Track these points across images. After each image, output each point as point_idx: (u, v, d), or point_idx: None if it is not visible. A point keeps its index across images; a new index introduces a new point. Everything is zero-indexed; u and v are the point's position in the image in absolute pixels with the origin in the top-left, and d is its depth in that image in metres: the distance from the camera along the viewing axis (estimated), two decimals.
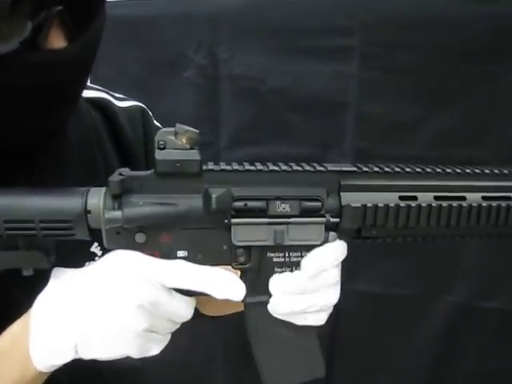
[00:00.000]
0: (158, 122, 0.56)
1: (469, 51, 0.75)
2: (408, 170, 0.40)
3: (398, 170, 0.40)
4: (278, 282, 0.37)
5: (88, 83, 0.45)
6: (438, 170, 0.40)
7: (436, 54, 0.75)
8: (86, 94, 0.46)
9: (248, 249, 0.39)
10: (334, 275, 0.38)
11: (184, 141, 0.35)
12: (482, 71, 0.75)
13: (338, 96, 0.80)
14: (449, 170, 0.40)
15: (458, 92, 0.77)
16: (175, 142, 0.35)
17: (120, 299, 0.33)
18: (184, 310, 0.35)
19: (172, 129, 0.35)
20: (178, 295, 0.35)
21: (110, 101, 0.49)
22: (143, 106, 0.54)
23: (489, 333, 0.88)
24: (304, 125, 0.82)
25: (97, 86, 0.50)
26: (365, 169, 0.40)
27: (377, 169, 0.40)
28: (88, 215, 0.35)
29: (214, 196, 0.36)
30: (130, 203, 0.35)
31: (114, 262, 0.34)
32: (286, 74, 0.80)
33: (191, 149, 0.36)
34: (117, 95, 0.51)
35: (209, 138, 0.84)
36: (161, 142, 0.35)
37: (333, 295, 0.38)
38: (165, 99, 0.84)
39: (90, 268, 0.35)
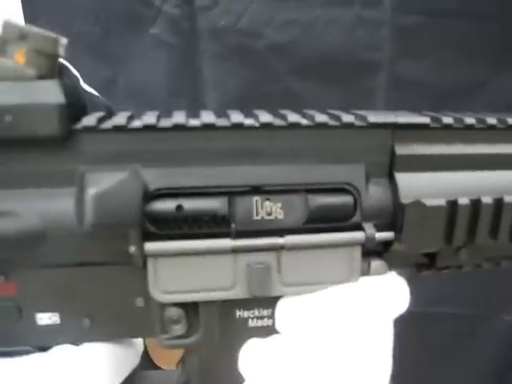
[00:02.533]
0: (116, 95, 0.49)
1: None
2: None
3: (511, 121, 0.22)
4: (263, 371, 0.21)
5: None
6: None
7: None
8: None
9: (191, 307, 0.22)
10: (380, 347, 0.22)
11: (22, 58, 0.18)
12: None
13: (364, 53, 0.63)
14: None
15: None
16: (1, 64, 0.18)
17: None
18: None
19: None
20: None
21: None
22: (62, 61, 0.41)
23: None
24: (316, 95, 0.65)
25: None
26: (445, 120, 0.22)
27: (470, 120, 0.22)
28: None
29: (93, 193, 0.19)
30: None
31: None
32: (291, 25, 0.63)
33: (42, 78, 0.19)
34: None
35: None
36: None
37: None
38: (126, 65, 0.68)
39: None
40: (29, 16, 0.66)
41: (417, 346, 0.77)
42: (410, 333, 0.76)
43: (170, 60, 0.67)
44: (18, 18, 0.65)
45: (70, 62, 0.48)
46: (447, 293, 0.73)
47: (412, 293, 0.73)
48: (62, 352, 0.25)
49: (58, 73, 0.38)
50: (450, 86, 0.63)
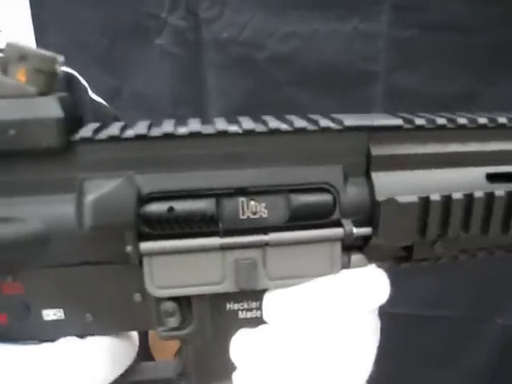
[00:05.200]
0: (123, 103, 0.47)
1: None
2: (491, 121, 0.24)
3: (482, 121, 0.24)
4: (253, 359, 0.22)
5: None
6: None
7: (494, 3, 0.57)
8: None
9: (184, 301, 0.23)
10: (362, 335, 0.23)
11: (23, 77, 0.19)
12: None
13: (361, 64, 0.64)
14: None
15: None
16: (3, 82, 0.19)
17: None
18: None
19: None
20: None
21: None
22: (72, 72, 0.43)
23: None
24: (316, 104, 0.66)
25: None
26: (418, 122, 0.23)
27: (442, 121, 0.23)
28: None
29: (92, 198, 0.20)
30: None
31: None
32: (292, 37, 0.64)
33: (42, 94, 0.19)
34: None
35: None
36: None
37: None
38: (132, 75, 0.69)
39: None
40: (38, 28, 0.66)
41: (412, 348, 0.78)
42: (405, 335, 0.76)
43: (175, 70, 0.68)
44: (28, 31, 0.66)
45: (77, 72, 0.49)
46: (442, 296, 0.74)
47: (408, 296, 0.73)
48: (67, 342, 0.26)
49: (67, 83, 0.39)
50: (444, 96, 0.63)
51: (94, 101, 0.49)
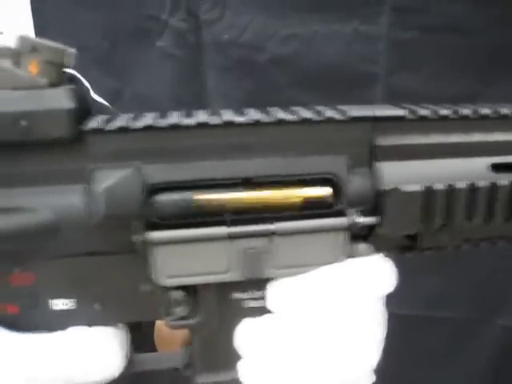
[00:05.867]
0: (124, 105, 0.50)
1: None
2: (494, 112, 0.24)
3: (485, 112, 0.24)
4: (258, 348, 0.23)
5: None
6: None
7: (494, 4, 0.57)
8: None
9: (192, 290, 0.23)
10: (368, 323, 0.24)
11: (35, 69, 0.20)
12: None
13: (361, 66, 0.63)
14: None
15: None
16: (16, 74, 0.20)
17: None
18: None
19: (7, 46, 0.19)
20: None
21: None
22: (74, 73, 0.40)
23: None
24: (315, 105, 0.65)
25: None
26: (422, 112, 0.23)
27: (445, 111, 0.24)
28: None
29: (101, 188, 0.20)
30: None
31: None
32: (292, 39, 0.63)
33: (53, 86, 0.20)
34: None
35: None
36: None
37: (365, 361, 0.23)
38: (133, 77, 0.69)
39: None
40: (39, 31, 0.66)
41: (414, 348, 0.77)
42: (407, 335, 0.75)
43: (176, 72, 0.68)
44: (29, 32, 0.66)
45: (78, 73, 0.49)
46: (443, 297, 0.73)
47: (410, 297, 0.73)
48: (76, 330, 0.26)
49: (70, 81, 0.39)
50: (444, 97, 0.62)
51: (96, 102, 0.49)
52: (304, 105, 0.66)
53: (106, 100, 0.56)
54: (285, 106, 0.67)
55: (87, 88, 0.45)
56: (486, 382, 0.79)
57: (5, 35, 0.73)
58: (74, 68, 0.47)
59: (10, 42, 0.21)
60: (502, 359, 0.77)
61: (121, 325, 0.27)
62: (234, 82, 0.66)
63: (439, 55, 0.61)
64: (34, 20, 0.67)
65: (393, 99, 0.62)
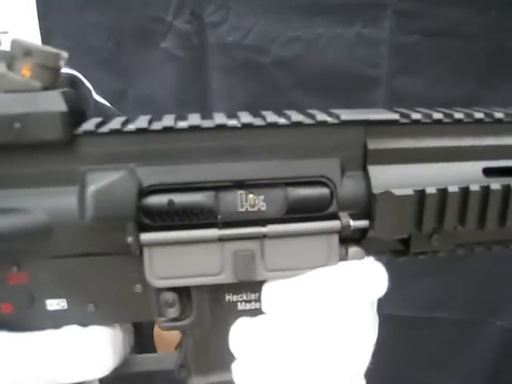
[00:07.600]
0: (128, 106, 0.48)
1: None
2: (488, 116, 0.23)
3: (478, 116, 0.23)
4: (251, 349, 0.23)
5: None
6: None
7: (496, 9, 0.58)
8: None
9: (184, 291, 0.23)
10: (360, 326, 0.24)
11: (28, 72, 0.20)
12: None
13: (363, 69, 0.64)
14: None
15: None
16: (9, 77, 0.20)
17: None
18: None
19: (0, 49, 0.19)
20: None
21: None
22: (76, 73, 0.43)
23: None
24: (319, 108, 0.64)
25: None
26: (414, 116, 0.23)
27: (438, 115, 0.23)
28: None
29: (93, 190, 0.20)
30: None
31: None
32: (295, 41, 0.64)
33: (46, 89, 0.20)
34: None
35: None
36: None
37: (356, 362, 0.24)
38: (137, 78, 0.69)
39: None
40: (45, 32, 0.66)
41: (412, 350, 0.77)
42: (406, 337, 0.75)
43: (180, 73, 0.68)
44: (35, 34, 0.67)
45: (82, 74, 0.49)
46: (442, 299, 0.74)
47: (408, 299, 0.73)
48: (69, 330, 0.26)
49: (71, 85, 0.39)
50: (445, 101, 0.62)
51: (98, 102, 0.49)
52: (306, 107, 0.67)
53: (109, 101, 0.56)
54: (288, 109, 0.67)
55: (89, 89, 0.45)
56: (485, 383, 0.79)
57: (9, 34, 0.73)
58: (77, 69, 0.47)
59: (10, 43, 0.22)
60: (501, 360, 0.77)
61: (117, 325, 0.27)
62: (237, 84, 0.66)
63: (441, 59, 0.61)
64: (39, 21, 0.67)
65: (395, 102, 0.61)
